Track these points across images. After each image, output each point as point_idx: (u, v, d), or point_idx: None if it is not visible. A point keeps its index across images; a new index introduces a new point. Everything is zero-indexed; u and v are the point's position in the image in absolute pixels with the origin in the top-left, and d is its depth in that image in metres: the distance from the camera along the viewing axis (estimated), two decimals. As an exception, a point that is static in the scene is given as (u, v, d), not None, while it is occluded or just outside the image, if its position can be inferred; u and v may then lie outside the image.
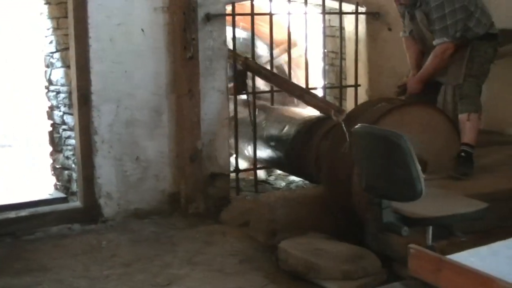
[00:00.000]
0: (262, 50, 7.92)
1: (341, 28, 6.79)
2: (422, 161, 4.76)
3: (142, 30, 5.76)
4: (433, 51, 5.31)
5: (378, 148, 3.66)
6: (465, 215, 3.83)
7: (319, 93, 6.65)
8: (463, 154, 5.18)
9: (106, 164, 5.73)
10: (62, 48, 6.01)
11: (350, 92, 6.94)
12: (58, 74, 6.14)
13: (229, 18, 6.02)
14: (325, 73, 7.01)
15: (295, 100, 7.04)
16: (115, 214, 5.79)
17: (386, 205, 3.67)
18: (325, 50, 6.99)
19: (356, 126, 3.88)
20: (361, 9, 6.75)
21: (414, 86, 5.45)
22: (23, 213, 5.64)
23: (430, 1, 5.20)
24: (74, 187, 6.08)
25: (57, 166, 6.41)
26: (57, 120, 6.27)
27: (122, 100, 5.73)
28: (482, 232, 4.47)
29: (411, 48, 5.63)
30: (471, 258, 2.58)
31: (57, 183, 6.46)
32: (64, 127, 6.17)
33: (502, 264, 2.54)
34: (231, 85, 6.28)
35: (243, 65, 6.22)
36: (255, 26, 6.34)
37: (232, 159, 6.38)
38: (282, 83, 6.17)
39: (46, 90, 6.39)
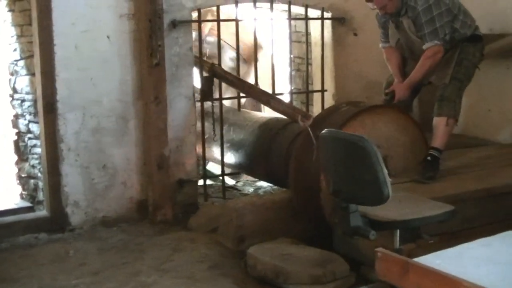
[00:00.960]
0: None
1: (307, 33, 6.83)
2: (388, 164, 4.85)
3: (108, 37, 5.74)
4: (423, 54, 5.31)
5: (345, 153, 3.68)
6: (432, 217, 3.86)
7: (286, 98, 6.69)
8: (429, 158, 5.22)
9: (73, 172, 5.70)
10: (27, 56, 5.96)
11: (316, 97, 6.98)
12: (23, 82, 6.09)
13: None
14: (291, 78, 7.05)
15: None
16: (82, 222, 5.75)
17: (353, 209, 3.69)
18: (292, 56, 7.03)
19: (323, 131, 3.90)
20: (327, 14, 6.80)
21: (403, 92, 5.45)
22: (-11, 223, 5.59)
23: (417, 6, 5.23)
24: (41, 196, 6.03)
25: (23, 175, 6.35)
26: (22, 128, 6.22)
27: (88, 107, 5.71)
28: (449, 234, 4.54)
29: (392, 57, 5.65)
30: (437, 260, 2.61)
31: (23, 192, 6.40)
32: (29, 135, 6.12)
33: (468, 266, 2.57)
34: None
35: (209, 72, 6.23)
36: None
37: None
38: (248, 89, 6.19)
39: (11, 99, 6.33)
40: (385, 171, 3.52)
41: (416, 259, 2.59)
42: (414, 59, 5.49)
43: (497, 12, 6.58)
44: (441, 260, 2.61)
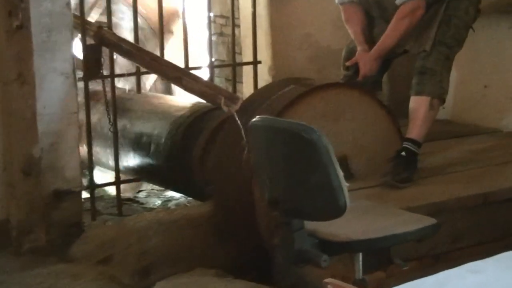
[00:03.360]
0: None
1: (233, -18, 6.86)
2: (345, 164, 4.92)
3: None
4: (397, 13, 5.37)
5: (285, 148, 3.71)
6: (407, 235, 3.93)
7: (205, 74, 6.69)
8: (403, 153, 5.28)
9: None
10: None
11: (247, 71, 7.01)
12: None
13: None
14: (211, 46, 7.05)
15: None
16: None
17: (298, 226, 3.73)
18: (211, 14, 7.03)
19: (255, 119, 3.93)
20: (260, -47, 6.84)
21: (371, 65, 5.49)
22: None
23: None
24: None
25: None
26: None
27: None
28: (430, 257, 4.63)
29: (354, 17, 5.68)
30: (413, 292, 2.67)
31: None
32: None
33: (452, 299, 2.63)
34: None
35: (96, 38, 6.19)
36: None
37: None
38: (151, 61, 6.17)
39: None
40: (341, 173, 3.56)
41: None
42: (385, 18, 5.52)
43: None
44: (418, 293, 2.67)
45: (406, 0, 5.31)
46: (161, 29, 6.63)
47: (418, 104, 5.32)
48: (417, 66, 5.40)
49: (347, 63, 5.67)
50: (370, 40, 5.60)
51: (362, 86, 5.43)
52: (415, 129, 5.31)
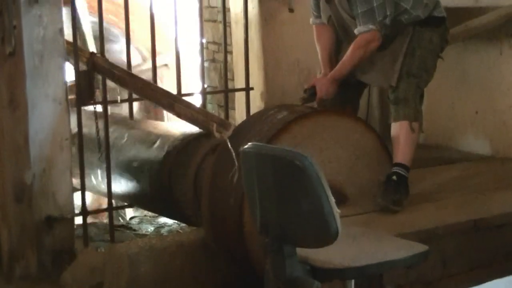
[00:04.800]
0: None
1: (225, 9, 6.84)
2: (337, 191, 4.89)
3: None
4: (353, 42, 5.39)
5: (276, 175, 3.70)
6: (398, 262, 3.91)
7: (197, 100, 6.68)
8: (394, 177, 5.27)
9: None
10: None
11: (239, 97, 6.99)
12: None
13: None
14: (204, 72, 7.04)
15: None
16: None
17: (290, 253, 3.71)
18: (204, 41, 7.02)
19: (246, 146, 3.92)
20: (251, -17, 6.85)
21: (327, 89, 5.50)
22: None
23: None
24: None
25: None
26: None
27: None
28: (421, 283, 4.60)
29: (323, 38, 5.72)
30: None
31: None
32: None
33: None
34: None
35: (88, 64, 6.18)
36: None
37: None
38: (143, 88, 6.16)
39: None
40: (332, 199, 3.55)
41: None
42: (349, 42, 5.54)
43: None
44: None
45: (364, 31, 5.35)
46: (154, 55, 6.62)
47: (398, 129, 5.37)
48: (390, 98, 5.46)
49: (305, 86, 5.70)
50: (335, 62, 5.64)
51: (322, 109, 5.48)
52: (400, 153, 5.34)
